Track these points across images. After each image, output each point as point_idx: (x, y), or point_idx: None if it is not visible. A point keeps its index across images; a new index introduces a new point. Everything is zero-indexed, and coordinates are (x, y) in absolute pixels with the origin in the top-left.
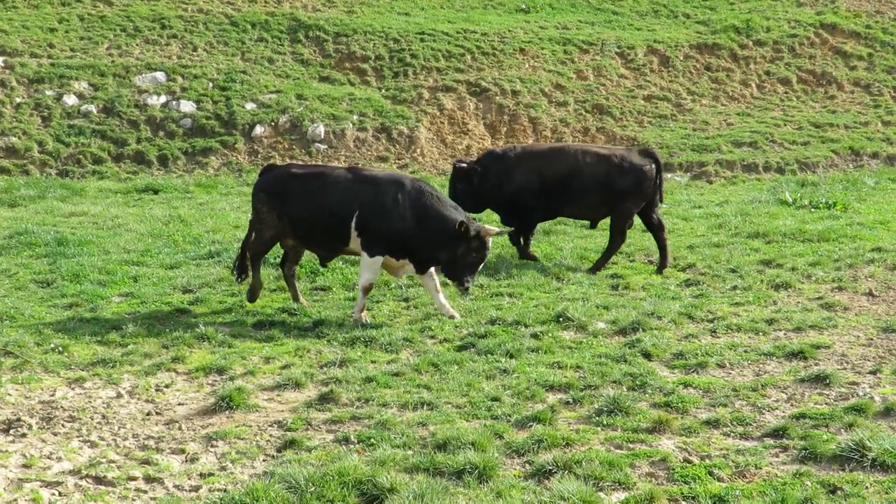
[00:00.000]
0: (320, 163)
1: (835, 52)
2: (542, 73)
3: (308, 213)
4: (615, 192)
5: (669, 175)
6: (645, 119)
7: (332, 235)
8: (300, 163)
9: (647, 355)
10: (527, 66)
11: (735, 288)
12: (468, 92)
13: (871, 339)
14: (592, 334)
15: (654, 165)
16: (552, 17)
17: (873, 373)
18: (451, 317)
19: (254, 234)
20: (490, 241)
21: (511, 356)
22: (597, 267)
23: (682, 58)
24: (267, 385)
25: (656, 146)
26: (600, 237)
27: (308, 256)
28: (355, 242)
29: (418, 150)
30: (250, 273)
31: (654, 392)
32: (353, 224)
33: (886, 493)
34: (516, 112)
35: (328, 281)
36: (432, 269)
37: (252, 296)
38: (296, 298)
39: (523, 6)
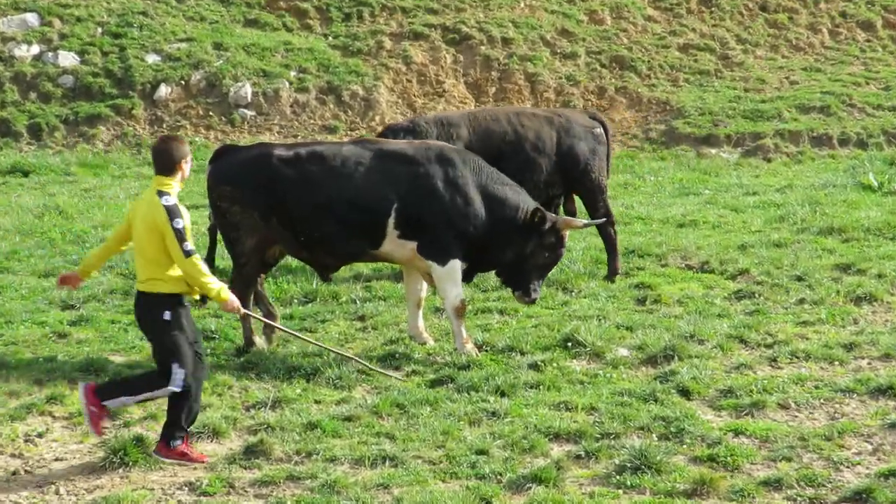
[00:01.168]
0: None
1: None
2: (542, 16)
3: (315, 208)
4: (571, 163)
5: (714, 150)
6: (680, 76)
7: (354, 237)
8: (274, 141)
9: (685, 392)
10: (522, 5)
11: (802, 301)
12: (444, 40)
13: None
14: (612, 364)
15: (602, 129)
16: None
17: None
18: (424, 343)
19: (227, 250)
20: (567, 236)
21: (502, 394)
22: (613, 271)
23: None
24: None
25: (695, 112)
26: (622, 233)
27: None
28: (393, 244)
29: (377, 118)
30: (255, 313)
31: (695, 442)
32: (391, 220)
33: None
34: (508, 67)
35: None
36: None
37: (248, 343)
38: (268, 319)
39: None
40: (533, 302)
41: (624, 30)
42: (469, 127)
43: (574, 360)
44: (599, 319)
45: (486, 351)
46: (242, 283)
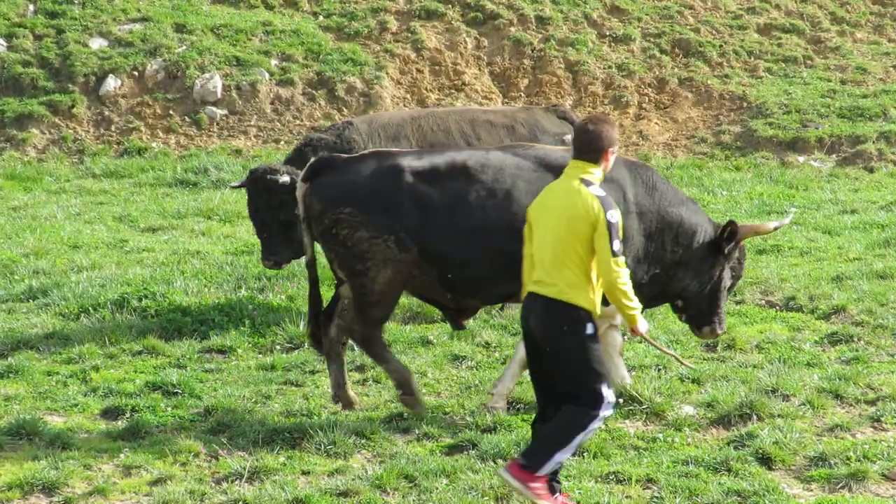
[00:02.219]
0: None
1: None
2: None
3: (465, 236)
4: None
5: (802, 157)
6: (760, 65)
7: (514, 274)
8: (390, 150)
9: (767, 461)
10: None
11: None
12: (464, 20)
13: None
14: (674, 426)
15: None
16: None
17: None
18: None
19: (353, 293)
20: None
21: None
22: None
23: None
24: None
25: (778, 110)
26: None
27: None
28: None
29: None
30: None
31: None
32: None
33: None
34: (545, 53)
35: (229, 339)
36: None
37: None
38: (339, 389)
39: None
40: (717, 336)
41: (690, 7)
42: (412, 136)
43: (627, 421)
44: (659, 370)
45: (517, 408)
46: (369, 332)
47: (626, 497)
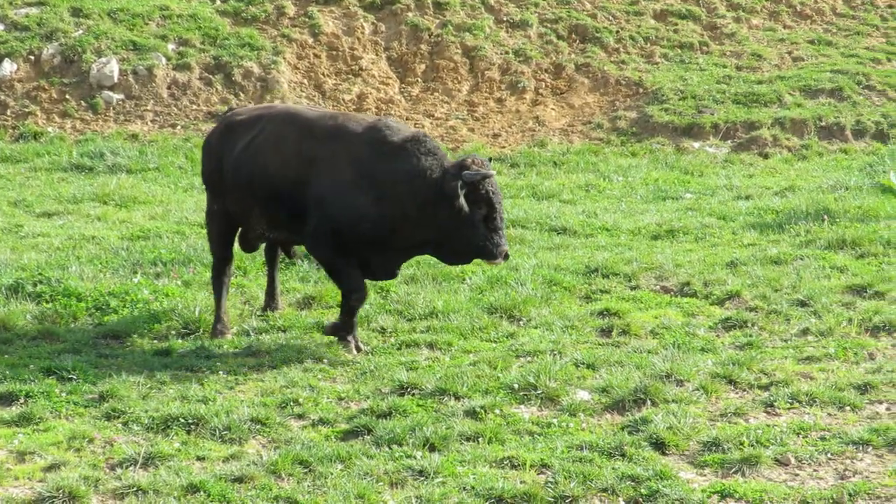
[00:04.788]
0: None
1: None
2: None
3: None
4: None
5: (697, 143)
6: (657, 50)
7: None
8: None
9: (661, 445)
10: None
11: (805, 332)
12: (362, 5)
13: None
14: (569, 411)
15: None
16: None
17: None
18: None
19: None
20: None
21: (432, 448)
22: None
23: None
24: (19, 501)
25: (674, 96)
26: (582, 247)
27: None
28: None
29: (278, 102)
30: None
31: None
32: None
33: None
34: (442, 39)
35: (124, 324)
36: None
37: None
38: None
39: None
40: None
41: None
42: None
43: (522, 406)
44: (554, 355)
45: (412, 394)
46: None
47: (521, 482)
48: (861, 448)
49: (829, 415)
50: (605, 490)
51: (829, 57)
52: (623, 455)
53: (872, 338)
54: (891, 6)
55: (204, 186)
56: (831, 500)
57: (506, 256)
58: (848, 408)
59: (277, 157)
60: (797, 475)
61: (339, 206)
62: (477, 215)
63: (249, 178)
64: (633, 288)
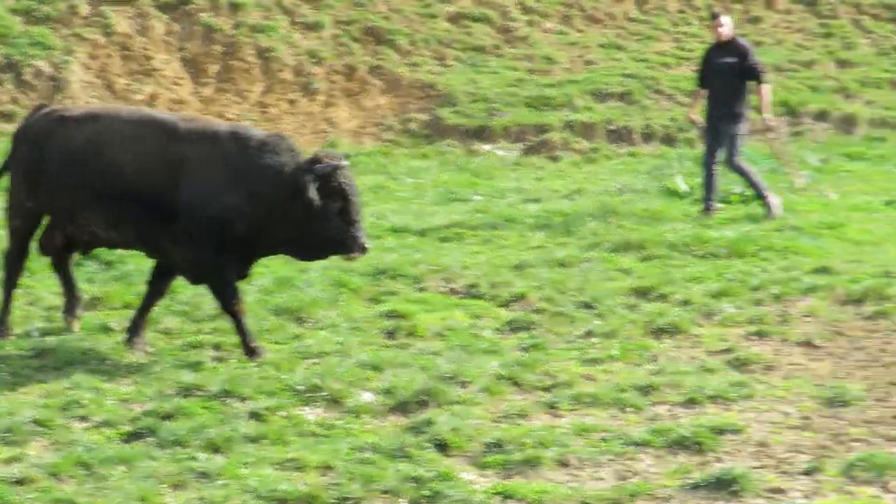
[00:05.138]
0: None
1: None
2: None
3: None
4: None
5: (488, 146)
6: (450, 53)
7: None
8: None
9: (443, 447)
10: None
11: (589, 334)
12: (155, 4)
13: (808, 419)
14: (353, 412)
15: None
16: None
17: (808, 473)
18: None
19: None
20: None
21: (216, 450)
22: None
23: None
24: None
25: (466, 99)
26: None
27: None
28: None
29: (69, 102)
30: None
31: None
32: None
33: None
34: (236, 40)
35: None
36: None
37: None
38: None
39: None
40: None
41: None
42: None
43: (306, 408)
44: (339, 357)
45: (196, 396)
46: None
47: (304, 484)
48: (641, 449)
49: (611, 416)
50: (387, 492)
51: (619, 61)
52: (406, 456)
53: (655, 340)
54: (682, 11)
55: (12, 182)
56: (611, 501)
57: (364, 250)
58: (629, 409)
59: (134, 157)
60: (578, 476)
61: (215, 206)
62: (332, 208)
63: (90, 177)
64: (420, 290)
